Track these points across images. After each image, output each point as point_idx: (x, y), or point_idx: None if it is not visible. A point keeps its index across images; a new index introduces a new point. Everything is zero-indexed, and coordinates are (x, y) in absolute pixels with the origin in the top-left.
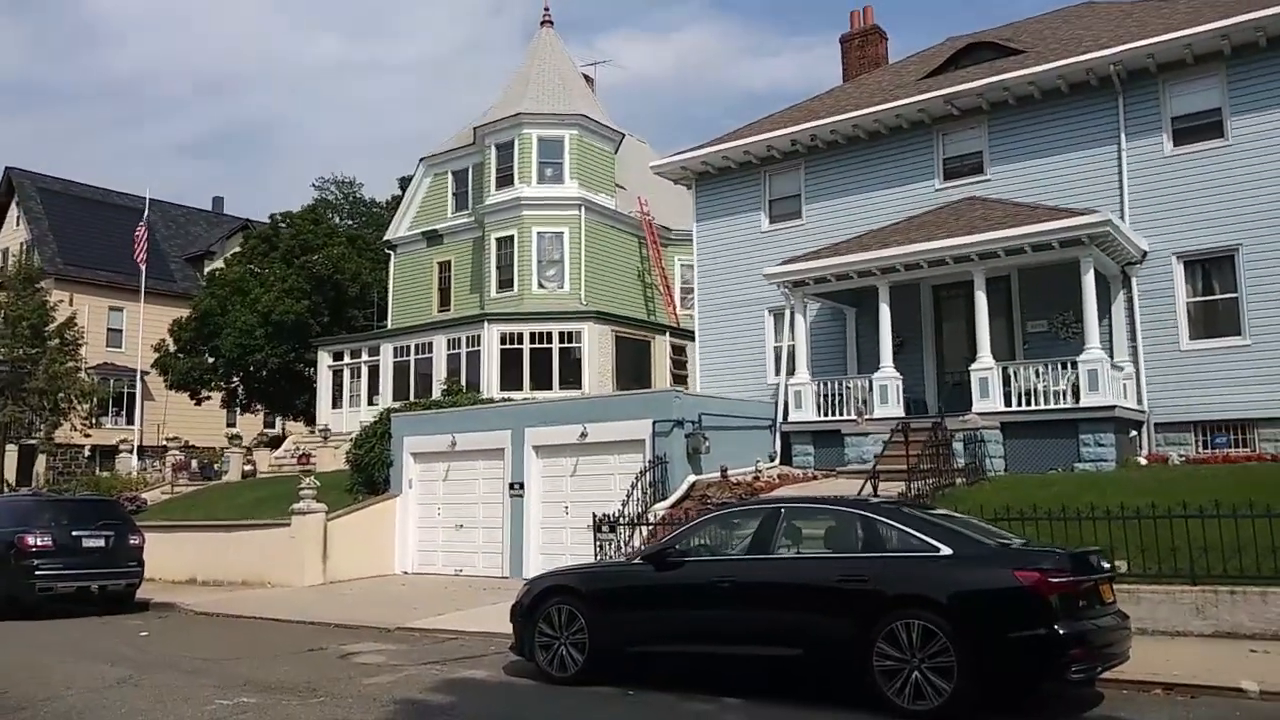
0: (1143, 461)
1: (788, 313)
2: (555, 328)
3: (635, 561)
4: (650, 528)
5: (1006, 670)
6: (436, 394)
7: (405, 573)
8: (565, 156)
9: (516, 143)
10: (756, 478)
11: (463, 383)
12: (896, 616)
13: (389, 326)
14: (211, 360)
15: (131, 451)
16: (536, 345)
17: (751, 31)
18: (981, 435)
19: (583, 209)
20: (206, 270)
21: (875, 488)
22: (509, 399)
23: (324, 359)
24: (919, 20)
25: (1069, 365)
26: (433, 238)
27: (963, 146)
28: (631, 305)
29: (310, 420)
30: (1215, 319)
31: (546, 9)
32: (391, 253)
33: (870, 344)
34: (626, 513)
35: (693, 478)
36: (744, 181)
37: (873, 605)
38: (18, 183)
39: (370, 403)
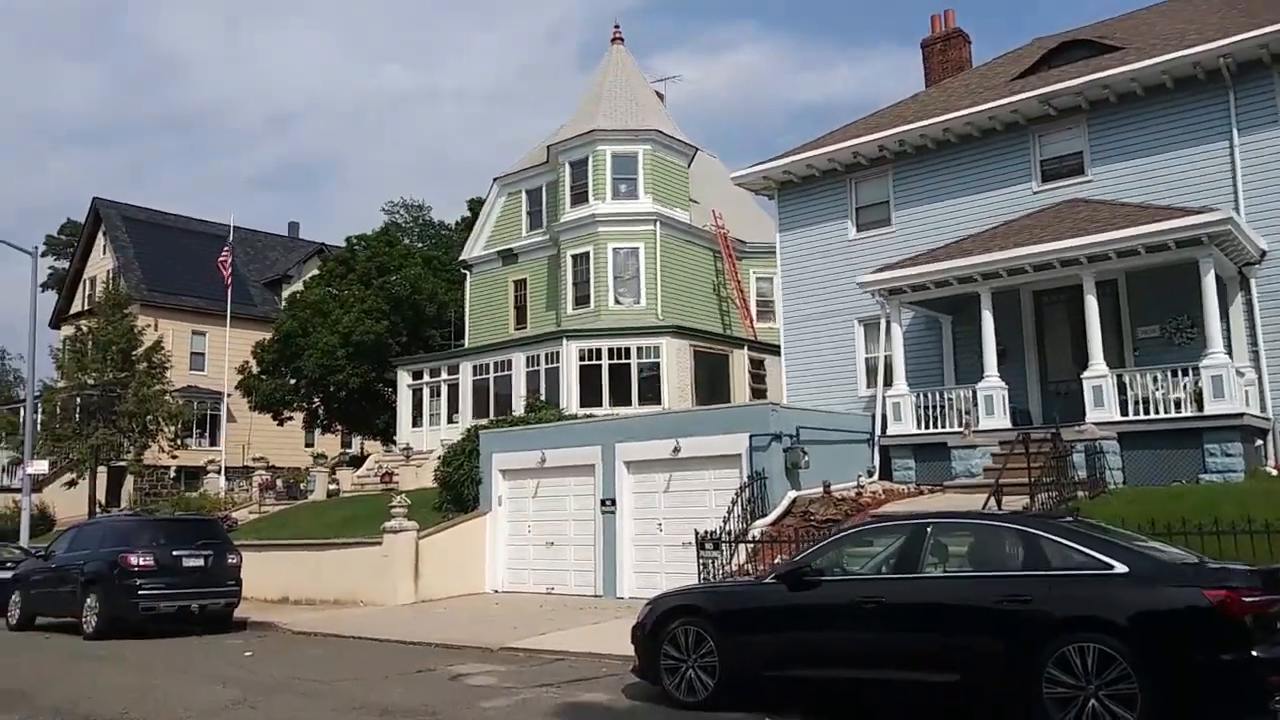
0: (1273, 472)
1: (882, 322)
2: (633, 343)
3: (767, 581)
4: (753, 545)
5: (1196, 700)
6: (518, 411)
7: (495, 591)
8: (639, 172)
9: (591, 159)
10: (860, 493)
11: (542, 400)
12: (1069, 640)
13: (466, 345)
14: (293, 381)
15: (219, 471)
16: (615, 361)
17: (806, 46)
18: (1100, 446)
19: (657, 224)
20: (285, 293)
21: (999, 502)
22: (590, 415)
23: (403, 378)
24: (999, 23)
25: (1189, 371)
26: (508, 256)
27: (1061, 147)
28: (708, 319)
29: (388, 439)
30: None
31: (617, 26)
32: (467, 272)
33: (968, 353)
34: (728, 530)
35: (793, 493)
36: (828, 190)
37: (1040, 628)
38: (104, 213)
39: (450, 421)
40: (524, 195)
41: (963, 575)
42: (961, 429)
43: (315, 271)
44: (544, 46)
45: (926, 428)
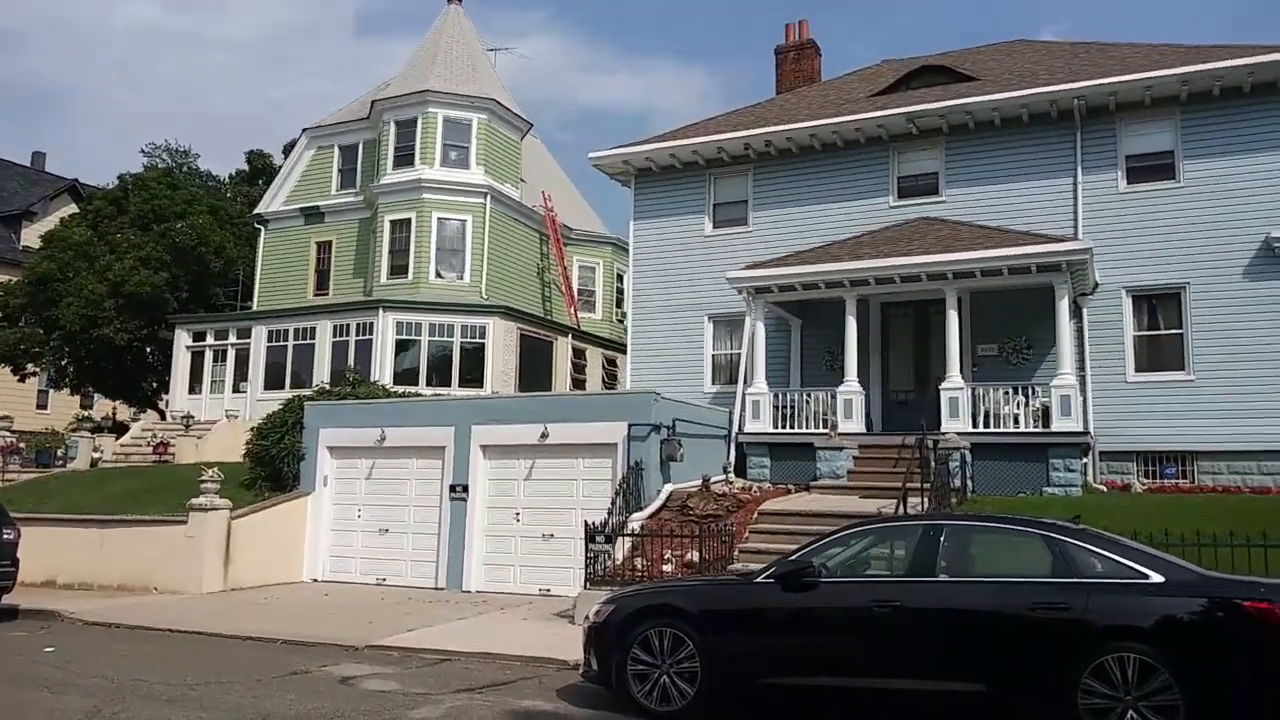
0: (1102, 488)
1: (747, 320)
2: (458, 321)
3: (758, 580)
4: (633, 539)
5: (1238, 711)
6: (319, 383)
7: (315, 580)
8: (472, 141)
9: (420, 121)
10: (746, 489)
11: (356, 373)
12: (1107, 650)
13: (254, 307)
14: (43, 332)
15: None
16: (436, 338)
17: (593, 48)
18: (963, 455)
19: (488, 197)
20: (24, 232)
21: (905, 504)
22: (408, 394)
23: (182, 338)
24: (836, 40)
25: (1038, 390)
26: (312, 215)
27: (918, 166)
28: (531, 303)
29: (151, 406)
30: (1161, 354)
31: None
32: (262, 228)
33: (814, 358)
34: (611, 522)
35: (669, 487)
36: (688, 182)
37: (1077, 637)
38: None
39: (236, 390)
40: (337, 150)
41: (991, 580)
42: (826, 430)
43: (72, 209)
44: (319, 7)
45: (782, 427)
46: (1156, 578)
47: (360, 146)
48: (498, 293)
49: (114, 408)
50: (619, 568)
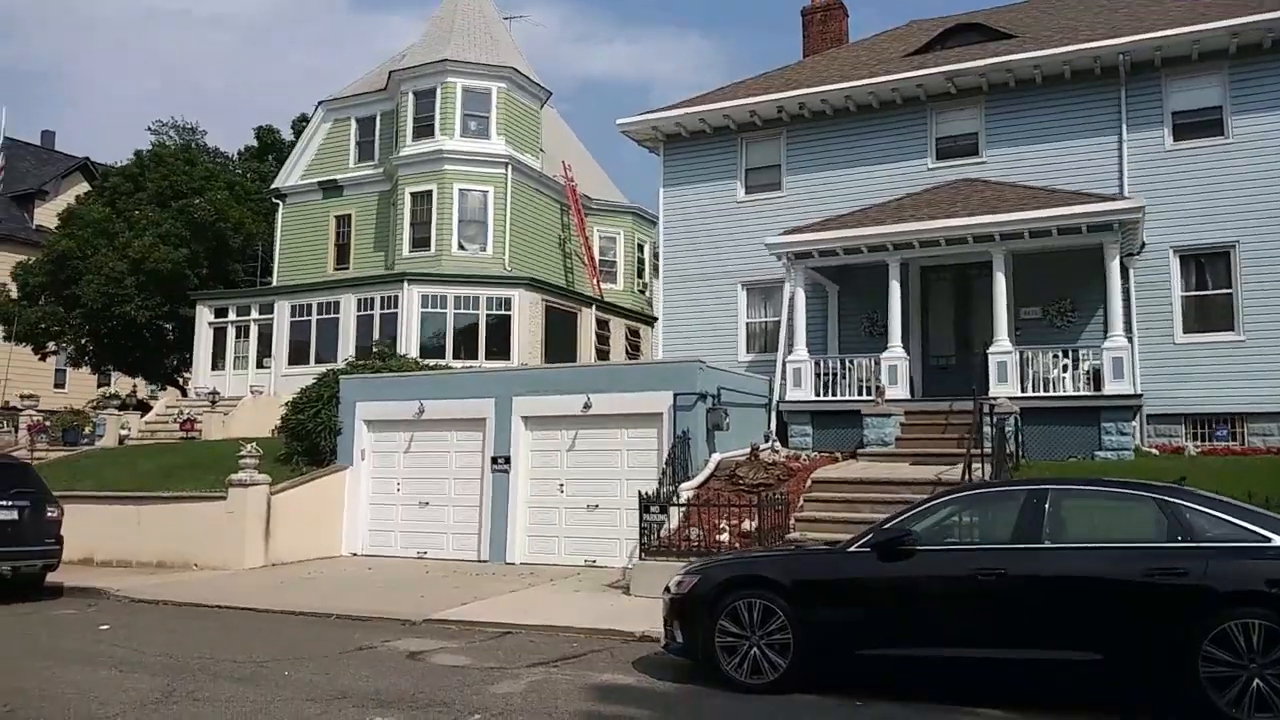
0: (1155, 451)
1: (786, 286)
2: (484, 293)
3: (852, 549)
4: (684, 509)
5: None
6: (345, 358)
7: (354, 554)
8: (492, 111)
9: (440, 91)
10: (794, 457)
11: (388, 346)
12: (1230, 616)
13: (274, 282)
14: (63, 310)
15: None
16: (461, 310)
17: (587, 17)
18: (1015, 420)
19: (509, 168)
20: (37, 210)
21: (969, 471)
22: (435, 366)
23: (204, 315)
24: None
25: (1088, 352)
26: (331, 189)
27: (956, 127)
28: (554, 274)
29: (171, 383)
30: (1209, 314)
31: None
32: (280, 203)
33: (852, 323)
34: (662, 492)
35: (718, 456)
36: (718, 147)
37: (1198, 603)
38: None
39: (260, 365)
40: (354, 123)
41: (1103, 546)
42: (872, 397)
43: (84, 188)
44: None
45: (824, 395)
46: (1278, 540)
47: (378, 118)
48: (521, 264)
49: (134, 385)
50: (672, 538)
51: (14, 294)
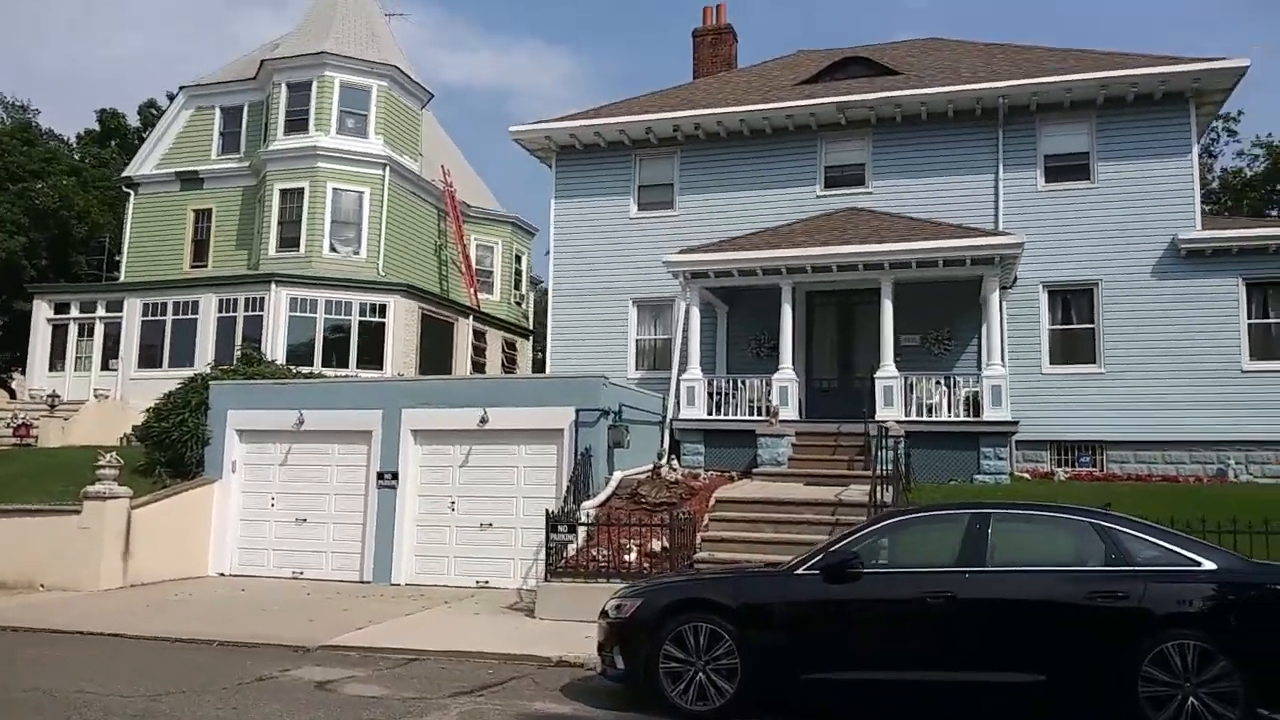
0: (1027, 476)
1: (680, 305)
2: (357, 298)
3: (800, 571)
4: (586, 529)
5: None
6: (204, 362)
7: (223, 574)
8: (371, 109)
9: (316, 85)
10: (693, 476)
11: (256, 350)
12: (1167, 638)
13: (123, 278)
14: None
15: None
16: (333, 315)
17: (452, 23)
18: (903, 443)
19: (387, 169)
20: None
21: (877, 494)
22: (302, 374)
23: (42, 310)
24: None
25: (969, 379)
26: (190, 180)
27: (845, 157)
28: (429, 282)
29: None
30: (1074, 347)
31: None
32: (131, 192)
33: (740, 344)
34: (566, 511)
35: (619, 474)
36: (612, 162)
37: (1137, 625)
38: None
39: (106, 368)
40: (218, 112)
41: (1044, 570)
42: (764, 417)
43: None
44: None
45: (716, 414)
46: (1209, 564)
47: (245, 109)
48: (396, 270)
49: None
50: (578, 558)
51: None
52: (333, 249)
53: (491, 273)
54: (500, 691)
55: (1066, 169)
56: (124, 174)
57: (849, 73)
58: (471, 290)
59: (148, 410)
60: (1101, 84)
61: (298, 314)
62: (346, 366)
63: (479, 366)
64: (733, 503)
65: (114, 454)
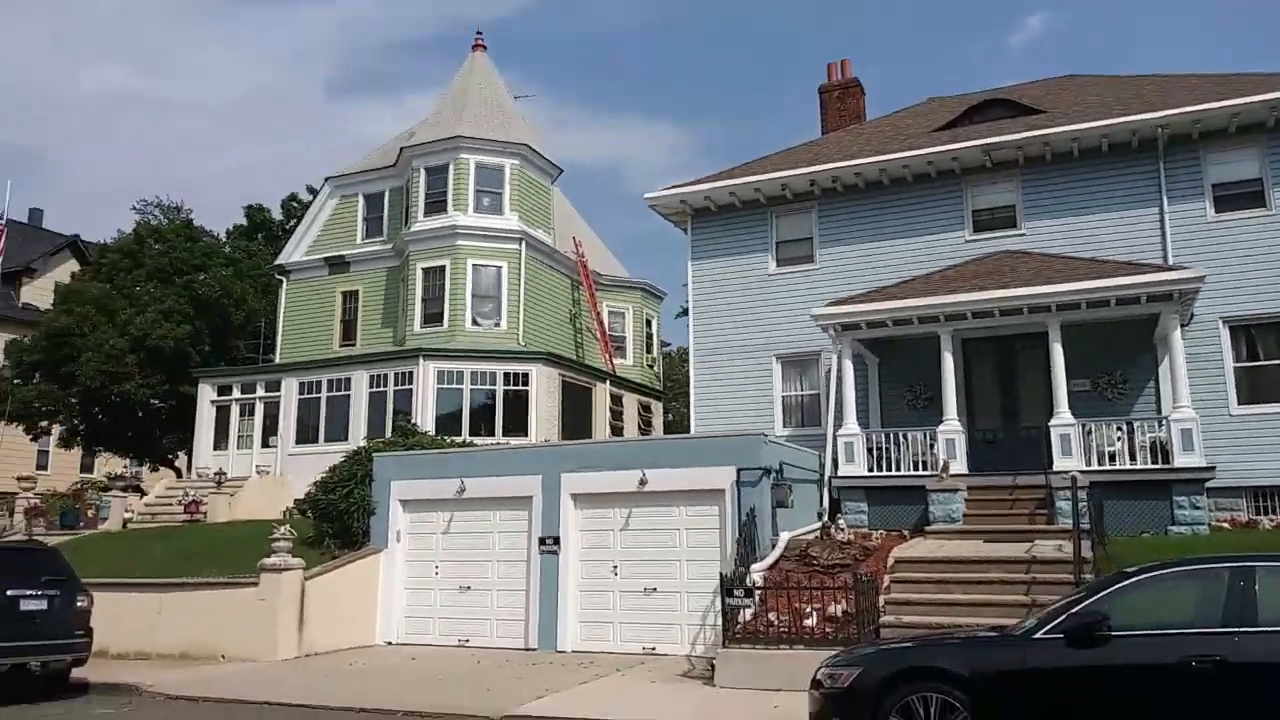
0: (1227, 525)
1: (833, 358)
2: (500, 368)
3: (1038, 635)
4: (760, 592)
5: None
6: (351, 436)
7: (389, 643)
8: (505, 186)
9: (452, 167)
10: (864, 536)
11: (410, 423)
12: None
13: (277, 360)
14: (58, 389)
15: None
16: (477, 386)
17: (564, 104)
18: (1088, 495)
19: (523, 243)
20: (24, 289)
21: (1079, 549)
22: (455, 444)
23: (206, 393)
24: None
25: (1151, 424)
26: (337, 264)
27: (992, 200)
28: (565, 350)
29: (165, 464)
30: (1263, 385)
31: (479, 33)
32: (284, 279)
33: (894, 396)
34: (738, 574)
35: (786, 534)
36: (747, 221)
37: None
38: None
39: (266, 445)
40: (361, 199)
41: None
42: (933, 472)
43: (73, 266)
44: (289, 68)
45: (876, 470)
46: None
47: (386, 194)
48: (534, 339)
49: (124, 467)
50: (754, 622)
51: (7, 372)
52: (474, 322)
53: (624, 337)
54: None
55: (1237, 197)
56: (276, 262)
57: (988, 115)
58: (607, 356)
59: (313, 484)
60: (1270, 106)
61: (444, 385)
62: (492, 434)
63: (617, 430)
64: (913, 563)
65: (287, 527)
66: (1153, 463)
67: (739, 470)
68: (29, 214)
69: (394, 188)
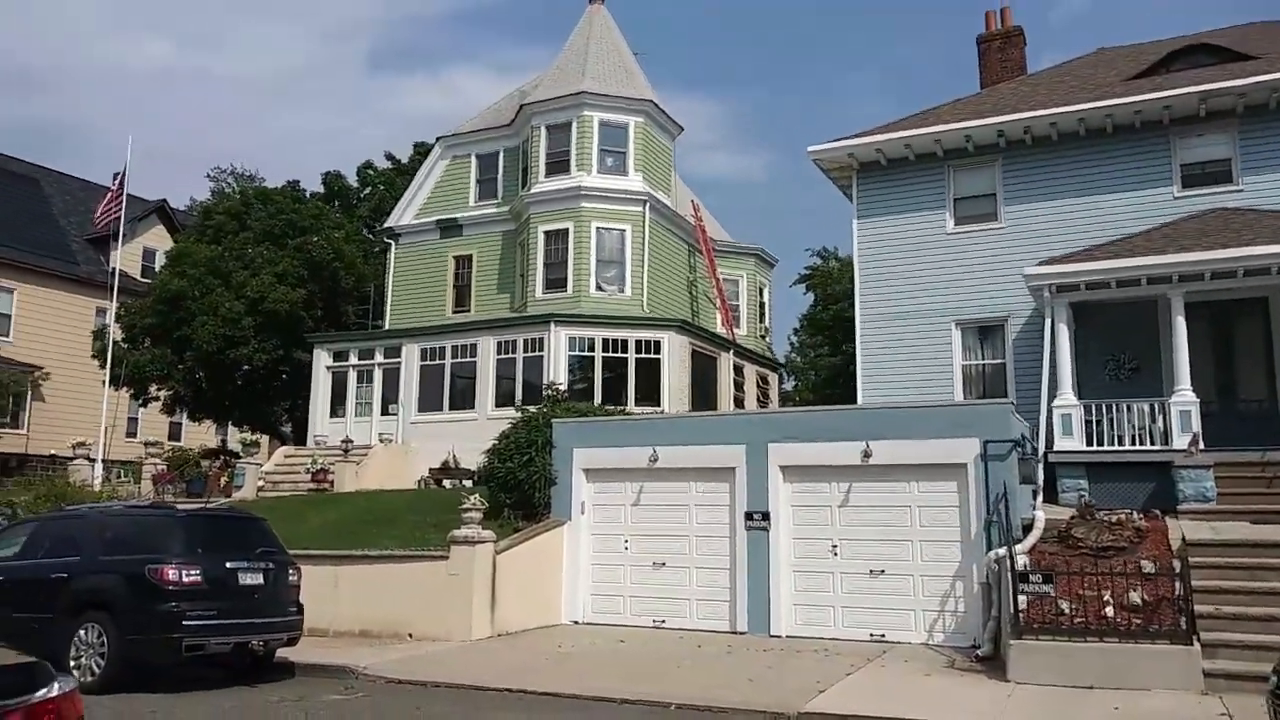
0: None
1: (1046, 322)
2: (632, 335)
3: None
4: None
5: None
6: (485, 406)
7: (576, 623)
8: (629, 146)
9: (576, 125)
10: (1129, 516)
11: (517, 392)
12: None
13: (386, 325)
14: (172, 354)
15: (90, 458)
16: (610, 354)
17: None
18: None
19: (647, 206)
20: (116, 253)
21: None
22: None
23: (322, 359)
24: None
25: None
26: (449, 228)
27: (1204, 153)
28: (686, 317)
29: (272, 432)
30: None
31: None
32: (393, 243)
33: (1092, 363)
34: (1000, 555)
35: (1042, 514)
36: (920, 176)
37: None
38: None
39: (386, 412)
40: (474, 160)
41: None
42: (1185, 447)
43: (160, 230)
44: (331, 45)
45: (1094, 444)
46: None
47: (501, 155)
48: (657, 306)
49: (223, 435)
50: (1040, 611)
51: (118, 336)
52: (599, 288)
53: (738, 306)
54: None
55: None
56: (385, 225)
57: (1188, 62)
58: (728, 325)
59: (487, 451)
60: None
61: (575, 353)
62: (624, 404)
63: (739, 401)
64: (1208, 546)
65: (476, 496)
66: None
67: (985, 443)
68: (112, 178)
69: (509, 148)
